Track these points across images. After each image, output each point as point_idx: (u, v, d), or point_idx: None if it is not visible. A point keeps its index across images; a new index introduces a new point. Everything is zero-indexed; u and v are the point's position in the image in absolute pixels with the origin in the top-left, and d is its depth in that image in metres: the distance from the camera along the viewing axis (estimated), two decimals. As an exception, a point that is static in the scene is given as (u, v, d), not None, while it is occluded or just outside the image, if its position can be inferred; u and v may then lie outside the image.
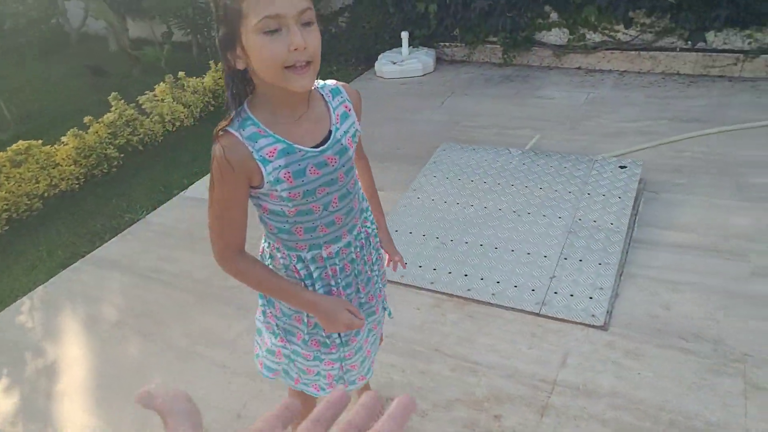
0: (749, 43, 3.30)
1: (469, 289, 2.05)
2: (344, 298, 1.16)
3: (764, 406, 1.56)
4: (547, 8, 3.80)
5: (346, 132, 1.04)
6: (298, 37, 0.87)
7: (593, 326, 1.87)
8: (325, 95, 1.05)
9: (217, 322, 2.15)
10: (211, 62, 4.28)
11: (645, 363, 1.73)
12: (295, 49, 0.87)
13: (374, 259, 1.24)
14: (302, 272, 1.11)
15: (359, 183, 1.18)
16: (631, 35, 3.62)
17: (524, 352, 1.82)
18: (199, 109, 4.01)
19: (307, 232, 1.07)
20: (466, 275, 2.12)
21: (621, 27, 3.61)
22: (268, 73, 0.90)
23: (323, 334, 1.17)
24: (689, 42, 3.44)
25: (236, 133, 0.95)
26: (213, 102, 4.14)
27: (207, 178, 3.24)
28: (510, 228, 2.33)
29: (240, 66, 0.92)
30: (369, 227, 1.21)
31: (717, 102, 3.18)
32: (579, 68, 3.87)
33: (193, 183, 3.21)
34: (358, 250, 1.16)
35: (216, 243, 1.03)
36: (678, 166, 2.66)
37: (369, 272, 1.22)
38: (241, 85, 0.97)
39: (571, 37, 3.77)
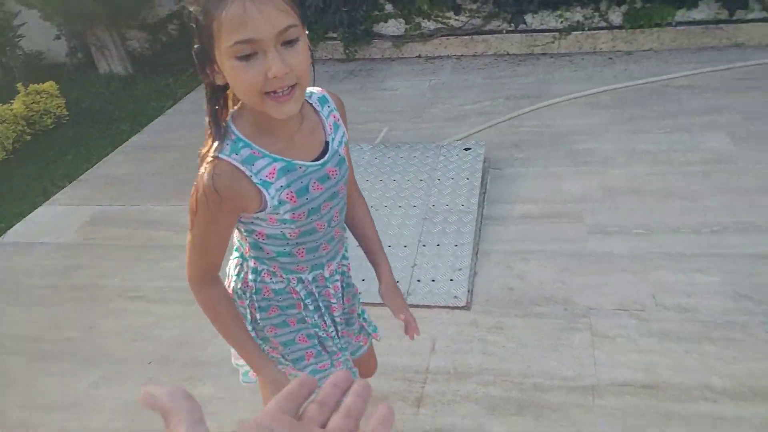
0: (561, 22, 3.65)
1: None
2: (343, 311, 1.17)
3: (610, 352, 1.72)
4: (381, 0, 3.88)
5: (340, 142, 1.00)
6: (277, 64, 0.78)
7: (457, 307, 1.94)
8: (313, 104, 0.99)
9: (57, 382, 1.90)
10: (19, 85, 3.79)
11: (508, 335, 1.83)
12: (275, 77, 0.78)
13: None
14: (302, 293, 1.08)
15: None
16: (462, 21, 3.83)
17: (395, 346, 1.83)
18: (11, 141, 3.53)
19: (309, 252, 1.03)
20: (329, 279, 2.09)
21: (452, 14, 3.81)
22: (247, 100, 0.84)
23: (329, 343, 1.16)
24: (512, 24, 3.72)
25: (229, 159, 0.87)
26: (28, 130, 3.67)
27: (34, 216, 2.87)
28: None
29: (219, 82, 0.85)
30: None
31: (542, 78, 3.48)
32: (419, 56, 4.02)
33: (12, 226, 2.82)
34: (347, 260, 1.16)
35: (191, 266, 0.97)
36: (516, 141, 2.87)
37: (351, 281, 1.22)
38: (223, 101, 0.91)
39: (408, 26, 3.90)
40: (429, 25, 3.90)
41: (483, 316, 1.91)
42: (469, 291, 2.00)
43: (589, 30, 3.63)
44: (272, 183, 0.90)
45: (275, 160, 0.89)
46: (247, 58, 0.78)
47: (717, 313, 1.78)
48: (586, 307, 1.88)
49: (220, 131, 0.88)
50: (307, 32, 0.84)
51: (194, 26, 0.81)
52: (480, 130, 3.00)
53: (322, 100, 1.00)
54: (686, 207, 2.26)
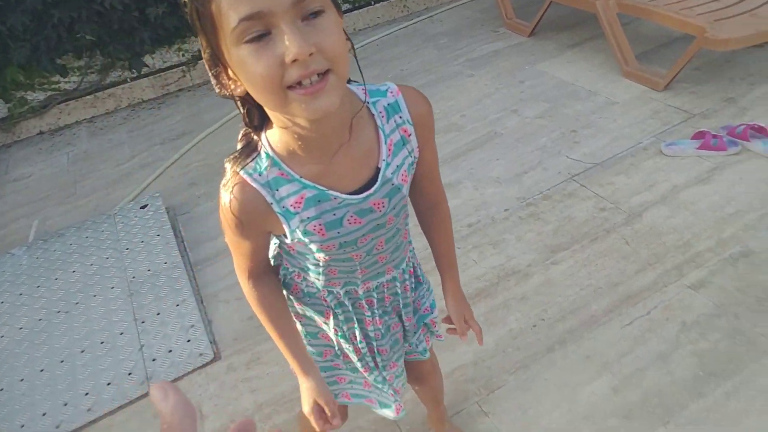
0: (183, 55, 3.77)
1: (57, 426, 1.74)
2: (381, 326, 1.04)
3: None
4: (-40, 85, 3.36)
5: (399, 166, 0.83)
6: (296, 42, 0.60)
7: (208, 363, 1.89)
8: (376, 115, 0.81)
9: None
10: None
11: (268, 360, 1.87)
12: (294, 60, 0.60)
13: (418, 286, 1.12)
14: (332, 302, 0.99)
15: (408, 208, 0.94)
16: (75, 81, 3.60)
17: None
18: None
19: (342, 273, 0.93)
20: (44, 414, 1.79)
21: (59, 77, 3.54)
22: (267, 102, 0.68)
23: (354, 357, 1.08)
24: (134, 70, 3.67)
25: (250, 179, 0.76)
26: None
27: None
28: (64, 331, 2.06)
29: (239, 92, 0.70)
30: (414, 256, 1.08)
31: (190, 112, 3.55)
32: (41, 133, 3.64)
33: None
34: (406, 282, 1.04)
35: (235, 264, 0.92)
36: (191, 180, 2.88)
37: (417, 302, 1.12)
38: (254, 109, 0.75)
39: (10, 105, 3.48)
40: (36, 96, 3.55)
41: (237, 356, 1.91)
42: (211, 342, 1.96)
43: (212, 55, 3.83)
44: (297, 213, 0.79)
45: (305, 186, 0.78)
46: (257, 40, 0.62)
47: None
48: (323, 299, 2.05)
49: (248, 144, 0.79)
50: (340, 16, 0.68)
51: (195, 23, 0.66)
52: (150, 183, 2.91)
53: (392, 109, 0.82)
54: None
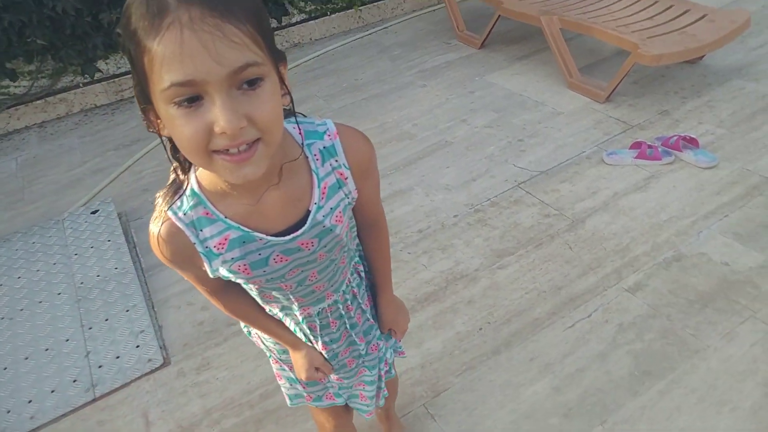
0: (138, 60, 3.69)
1: (-3, 436, 1.67)
2: (326, 353, 1.04)
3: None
4: None
5: (333, 208, 0.82)
6: (225, 115, 0.58)
7: (156, 369, 1.84)
8: (311, 159, 0.79)
9: None
10: None
11: (217, 365, 1.84)
12: (223, 133, 0.59)
13: (371, 305, 1.11)
14: (276, 315, 0.99)
15: (351, 235, 0.95)
16: (25, 86, 3.47)
17: (105, 446, 1.64)
18: None
19: (276, 299, 0.92)
20: (-16, 424, 1.71)
21: (8, 81, 3.40)
22: (192, 160, 0.65)
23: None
24: (86, 75, 3.57)
25: (175, 218, 0.75)
26: None
27: None
28: (8, 338, 1.98)
29: (165, 132, 0.67)
30: (362, 271, 1.06)
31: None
32: (-11, 137, 3.49)
33: None
34: (349, 303, 1.01)
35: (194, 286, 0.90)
36: (145, 186, 2.81)
37: (369, 320, 1.09)
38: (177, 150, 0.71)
39: (-44, 108, 3.33)
40: (-15, 99, 3.41)
41: (186, 361, 1.87)
42: (161, 347, 1.91)
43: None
44: (220, 255, 0.78)
45: (230, 228, 0.76)
46: (187, 104, 0.59)
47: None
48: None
49: (175, 182, 0.77)
50: (283, 67, 0.67)
51: (127, 58, 0.62)
52: (102, 189, 2.82)
53: (327, 153, 0.79)
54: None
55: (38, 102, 3.54)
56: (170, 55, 0.57)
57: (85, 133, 3.41)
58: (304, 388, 1.15)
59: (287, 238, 0.79)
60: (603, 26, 2.79)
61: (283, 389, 1.19)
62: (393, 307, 1.13)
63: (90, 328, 1.98)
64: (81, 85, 3.61)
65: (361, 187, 0.86)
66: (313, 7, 4.01)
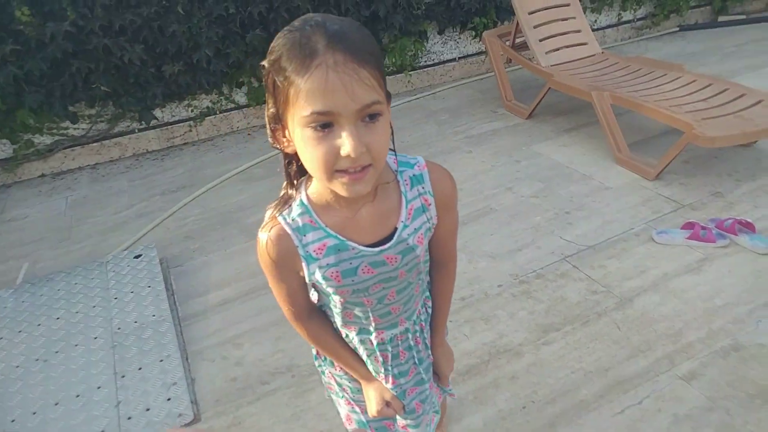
0: (192, 111, 3.83)
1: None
2: (394, 388, 1.09)
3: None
4: (-30, 123, 3.36)
5: (416, 230, 0.92)
6: (352, 143, 0.72)
7: (186, 425, 1.79)
8: (402, 183, 0.91)
9: None
10: None
11: (247, 425, 1.78)
12: (348, 156, 0.73)
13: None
14: (350, 343, 1.07)
15: (425, 265, 1.03)
16: (83, 128, 3.62)
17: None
18: None
19: (356, 318, 1.00)
20: (9, 468, 1.67)
21: (68, 123, 3.56)
22: (314, 174, 0.80)
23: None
24: (142, 122, 3.71)
25: (284, 224, 0.88)
26: None
27: None
28: (41, 381, 1.96)
29: (289, 150, 0.82)
30: (429, 307, 1.14)
31: (192, 166, 3.56)
32: (43, 176, 3.62)
33: None
34: (417, 334, 1.09)
35: (282, 306, 0.99)
36: (187, 233, 2.85)
37: (430, 356, 1.16)
38: (294, 165, 0.87)
39: (16, 146, 3.47)
40: (44, 140, 3.56)
41: (217, 418, 1.81)
42: (192, 402, 1.87)
43: (220, 113, 3.89)
44: (318, 259, 0.89)
45: (328, 235, 0.88)
46: (321, 129, 0.73)
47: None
48: (310, 366, 1.98)
49: (284, 195, 0.90)
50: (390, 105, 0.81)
51: (268, 86, 0.78)
52: (145, 233, 2.87)
53: (416, 180, 0.92)
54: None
55: (94, 144, 3.68)
56: (315, 90, 0.70)
57: (134, 176, 3.51)
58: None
59: (376, 250, 0.90)
60: (655, 105, 2.79)
61: None
62: (443, 350, 1.20)
63: (123, 377, 1.96)
64: (136, 130, 3.75)
65: (441, 219, 0.96)
66: (363, 69, 4.13)
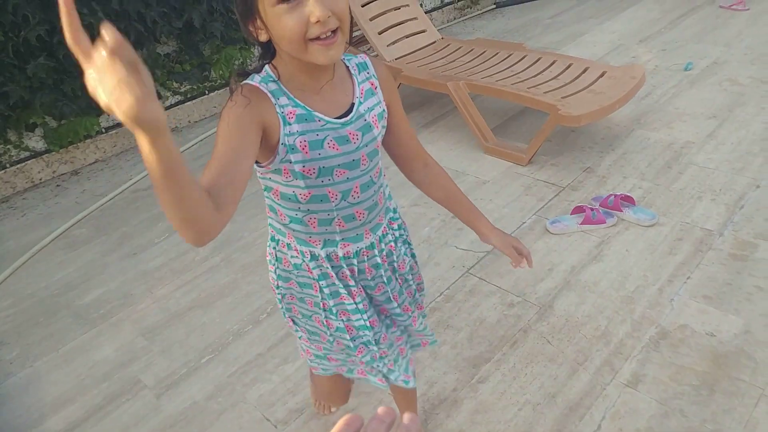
0: (-29, 169, 2.93)
1: None
2: (361, 300, 1.11)
3: None
4: None
5: (370, 109, 0.98)
6: (319, 8, 0.79)
7: None
8: (350, 67, 0.99)
9: None
10: None
11: None
12: (317, 21, 0.79)
13: (407, 268, 1.21)
14: (315, 272, 1.06)
15: (383, 179, 1.07)
16: None
17: None
18: None
19: (321, 224, 1.01)
20: None
21: None
22: (290, 48, 0.84)
23: (346, 337, 1.14)
24: None
25: (258, 84, 0.89)
26: None
27: None
28: None
29: (262, 38, 0.87)
30: (398, 231, 1.16)
31: (-13, 240, 2.71)
32: None
33: None
34: (385, 255, 1.11)
35: (205, 169, 0.80)
36: (-3, 338, 2.10)
37: (401, 281, 1.19)
38: (270, 55, 0.92)
39: None
40: None
41: None
42: None
43: (12, 166, 3.03)
44: (290, 123, 0.89)
45: (296, 105, 0.90)
46: (288, 1, 0.79)
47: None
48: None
49: (254, 69, 0.92)
50: None
51: None
52: (-69, 354, 2.06)
53: (361, 66, 1.00)
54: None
55: None
56: None
57: None
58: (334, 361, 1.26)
59: (339, 121, 0.93)
60: (515, 89, 2.66)
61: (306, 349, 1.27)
62: (502, 232, 1.20)
63: None
64: None
65: (389, 103, 1.03)
66: (188, 87, 3.51)
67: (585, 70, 2.82)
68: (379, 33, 3.26)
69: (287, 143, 0.89)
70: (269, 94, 0.88)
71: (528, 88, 2.69)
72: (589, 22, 4.47)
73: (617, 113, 3.01)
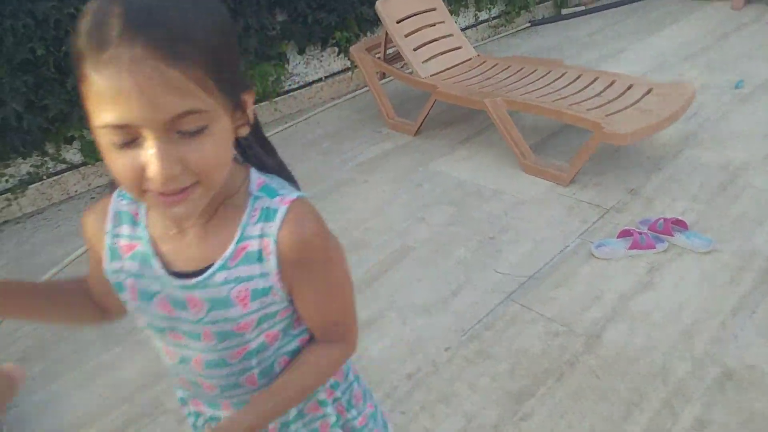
0: (6, 180, 2.90)
1: None
2: None
3: None
4: None
5: (238, 281, 0.65)
6: (158, 165, 0.52)
7: None
8: (248, 213, 0.65)
9: None
10: None
11: None
12: (153, 179, 0.54)
13: None
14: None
15: (278, 359, 0.73)
16: None
17: None
18: None
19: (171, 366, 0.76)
20: None
21: None
22: (125, 190, 0.62)
23: None
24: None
25: (114, 201, 0.70)
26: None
27: None
28: None
29: None
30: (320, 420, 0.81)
31: (18, 252, 2.68)
32: None
33: None
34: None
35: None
36: (20, 352, 2.03)
37: None
38: None
39: None
40: None
41: None
42: None
43: (48, 178, 3.01)
44: (120, 259, 0.69)
45: (142, 239, 0.68)
46: (121, 145, 0.53)
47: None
48: None
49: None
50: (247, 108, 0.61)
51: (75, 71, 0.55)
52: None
53: (266, 215, 0.64)
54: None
55: None
56: (106, 93, 0.51)
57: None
58: None
59: (177, 282, 0.66)
60: (555, 106, 2.51)
61: None
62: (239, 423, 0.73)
63: None
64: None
65: (298, 284, 0.68)
66: (221, 102, 3.46)
67: (629, 87, 2.65)
68: (414, 49, 3.16)
69: (112, 280, 0.70)
70: (110, 219, 0.69)
71: (569, 105, 2.54)
72: (629, 39, 4.29)
73: (662, 133, 2.83)
